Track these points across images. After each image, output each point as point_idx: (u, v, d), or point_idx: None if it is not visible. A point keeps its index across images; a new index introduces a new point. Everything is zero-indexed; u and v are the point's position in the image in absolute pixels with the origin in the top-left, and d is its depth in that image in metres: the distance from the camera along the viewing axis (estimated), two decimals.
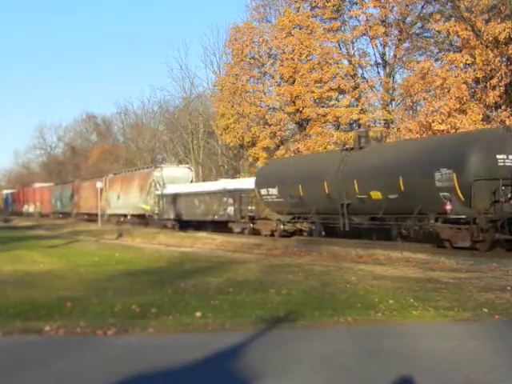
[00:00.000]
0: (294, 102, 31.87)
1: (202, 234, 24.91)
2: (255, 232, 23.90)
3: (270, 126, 33.65)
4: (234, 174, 42.21)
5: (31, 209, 64.52)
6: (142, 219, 34.47)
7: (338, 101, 32.76)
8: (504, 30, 21.81)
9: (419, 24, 29.16)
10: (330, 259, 13.83)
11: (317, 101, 32.25)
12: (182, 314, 6.63)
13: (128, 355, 5.09)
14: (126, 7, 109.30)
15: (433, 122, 22.62)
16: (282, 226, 22.55)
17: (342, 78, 31.42)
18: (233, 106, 34.61)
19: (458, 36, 24.50)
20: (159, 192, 32.25)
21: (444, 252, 14.72)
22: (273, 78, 35.18)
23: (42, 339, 5.67)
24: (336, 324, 6.21)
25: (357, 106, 31.46)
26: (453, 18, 24.88)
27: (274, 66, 34.56)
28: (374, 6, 30.20)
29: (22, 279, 10.00)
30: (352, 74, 32.00)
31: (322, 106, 32.26)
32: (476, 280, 9.36)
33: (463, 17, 23.62)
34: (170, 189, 31.25)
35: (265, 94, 35.51)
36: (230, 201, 25.14)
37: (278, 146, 34.30)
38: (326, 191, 19.32)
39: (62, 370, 4.66)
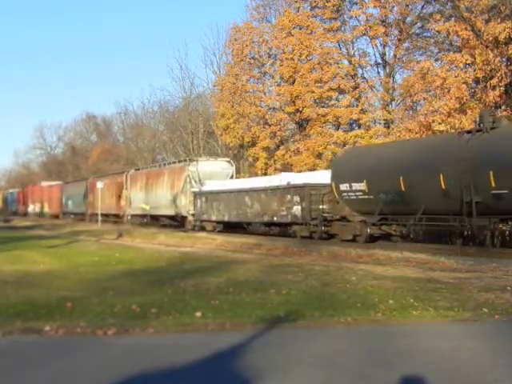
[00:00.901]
0: (294, 101, 31.89)
1: (202, 234, 24.90)
2: (328, 236, 20.19)
3: (269, 125, 33.67)
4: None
5: (37, 209, 60.68)
6: (173, 220, 31.28)
7: (338, 101, 32.78)
8: (504, 30, 21.81)
9: (419, 24, 29.19)
10: (330, 259, 13.83)
11: (317, 101, 32.26)
12: (182, 314, 6.63)
13: (128, 355, 5.09)
14: (126, 7, 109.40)
15: (433, 121, 22.63)
16: (367, 230, 18.40)
17: (342, 78, 31.43)
18: (233, 106, 34.63)
19: (458, 36, 24.50)
20: (196, 189, 28.28)
21: (444, 252, 14.71)
22: (273, 78, 35.21)
23: (42, 339, 5.66)
24: (336, 324, 6.21)
25: (357, 106, 31.47)
26: (453, 18, 24.88)
27: (274, 66, 34.59)
28: (374, 6, 30.24)
29: (21, 279, 10.00)
30: (352, 74, 32.02)
31: (322, 106, 32.28)
32: (476, 280, 9.36)
33: (463, 17, 23.62)
34: (211, 185, 27.19)
35: (265, 93, 35.53)
36: (296, 199, 20.91)
37: (278, 146, 34.33)
38: (443, 186, 15.19)
39: (62, 370, 4.66)
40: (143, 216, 34.58)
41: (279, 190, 22.07)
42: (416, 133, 23.36)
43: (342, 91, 31.86)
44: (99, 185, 37.15)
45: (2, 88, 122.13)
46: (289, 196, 21.32)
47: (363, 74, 33.04)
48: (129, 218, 36.39)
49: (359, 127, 31.83)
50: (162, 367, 4.68)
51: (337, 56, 32.47)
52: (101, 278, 10.18)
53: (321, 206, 20.36)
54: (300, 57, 31.83)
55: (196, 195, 28.05)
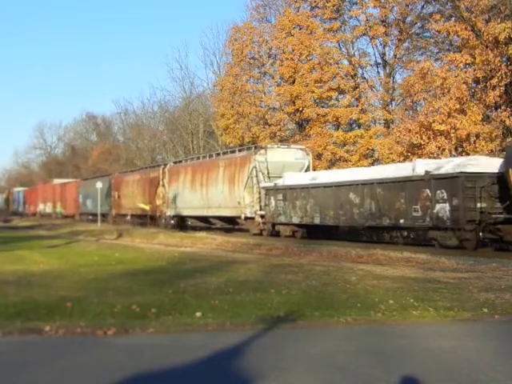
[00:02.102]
0: (293, 101, 31.88)
1: (202, 234, 24.89)
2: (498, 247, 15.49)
3: (269, 126, 33.66)
4: None
5: (48, 209, 56.21)
6: (229, 223, 26.69)
7: (338, 101, 32.78)
8: (504, 30, 21.82)
9: (419, 24, 29.19)
10: (330, 259, 13.83)
11: (317, 101, 32.26)
12: (182, 314, 6.63)
13: (128, 355, 5.09)
14: (126, 7, 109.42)
15: (433, 122, 22.63)
16: None
17: (342, 78, 31.43)
18: (233, 106, 34.62)
19: (458, 36, 24.53)
20: (267, 184, 22.98)
21: (444, 252, 14.71)
22: (273, 78, 35.20)
23: (42, 339, 5.66)
24: (336, 324, 6.20)
25: (357, 106, 31.48)
26: (453, 18, 24.91)
27: (274, 66, 34.57)
28: (374, 6, 30.26)
29: (21, 279, 9.99)
30: (352, 73, 32.02)
31: (322, 106, 32.28)
32: (476, 280, 9.36)
33: (463, 17, 23.64)
34: (292, 179, 21.88)
35: (265, 93, 35.52)
36: (442, 194, 15.48)
37: None
38: None
39: (62, 370, 4.66)
40: (188, 218, 29.61)
41: (411, 182, 16.42)
42: (416, 133, 23.37)
43: (341, 91, 31.86)
44: (127, 181, 34.62)
45: (2, 88, 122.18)
46: (428, 190, 15.86)
47: (363, 74, 33.09)
48: (167, 219, 31.12)
49: (359, 127, 31.83)
50: (162, 367, 4.67)
51: (337, 56, 32.47)
52: (101, 277, 10.17)
53: (478, 204, 14.99)
54: (300, 57, 31.84)
55: (268, 192, 22.70)
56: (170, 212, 30.74)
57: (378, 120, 31.63)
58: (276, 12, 35.68)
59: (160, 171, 32.17)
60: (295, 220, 21.23)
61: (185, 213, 29.45)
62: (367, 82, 32.48)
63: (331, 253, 15.47)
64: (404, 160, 23.39)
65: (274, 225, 22.63)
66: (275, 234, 22.50)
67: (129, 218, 36.57)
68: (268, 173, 23.68)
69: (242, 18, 49.26)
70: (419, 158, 22.51)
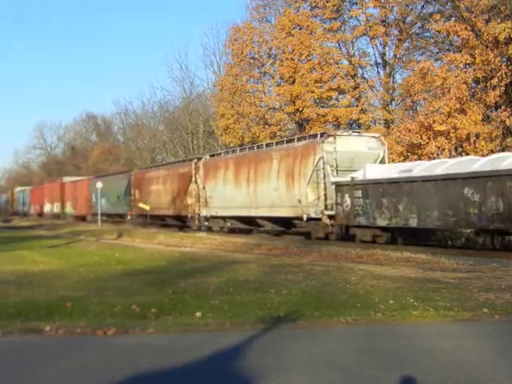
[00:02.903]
0: (293, 101, 31.88)
1: (202, 234, 24.88)
2: None
3: (269, 126, 33.65)
4: None
5: (56, 209, 51.94)
6: (283, 225, 22.63)
7: (338, 101, 32.78)
8: (504, 30, 21.83)
9: (419, 24, 29.18)
10: (330, 259, 13.83)
11: (317, 101, 32.27)
12: (182, 314, 6.64)
13: (128, 355, 5.09)
14: (126, 7, 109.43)
15: (433, 122, 22.63)
16: None
17: (342, 78, 31.43)
18: (233, 106, 34.62)
19: (458, 36, 24.53)
20: (338, 178, 19.16)
21: (444, 252, 14.72)
22: (273, 78, 35.19)
23: (42, 339, 5.66)
24: (336, 324, 6.21)
25: (357, 106, 31.47)
26: (453, 18, 24.91)
27: (274, 66, 34.56)
28: (374, 6, 30.25)
29: (22, 279, 10.00)
30: (352, 73, 32.02)
31: (322, 106, 32.28)
32: (476, 280, 9.36)
33: (463, 17, 23.65)
34: (375, 171, 18.36)
35: (265, 94, 35.51)
36: None
37: None
38: None
39: (62, 370, 4.66)
40: (232, 218, 25.22)
41: None
42: (416, 133, 23.38)
43: (342, 91, 31.85)
44: (150, 177, 31.13)
45: (2, 88, 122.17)
46: None
47: (363, 73, 33.07)
48: (201, 220, 27.35)
49: (359, 127, 31.83)
50: (162, 367, 4.68)
51: (337, 56, 32.47)
52: (101, 277, 10.17)
53: None
54: (300, 57, 31.83)
55: (341, 188, 18.83)
56: (205, 212, 26.79)
57: (378, 120, 31.63)
58: (276, 12, 35.70)
59: (192, 166, 28.22)
60: (381, 222, 17.34)
61: (225, 213, 25.29)
62: (367, 82, 32.49)
63: (331, 253, 15.47)
64: (404, 160, 23.37)
65: (347, 227, 18.81)
66: (347, 238, 18.74)
67: (157, 220, 32.85)
68: (336, 165, 19.67)
69: (242, 18, 49.26)
70: (419, 158, 22.53)
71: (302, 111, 31.64)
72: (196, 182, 27.90)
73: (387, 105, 31.10)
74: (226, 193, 25.15)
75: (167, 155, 54.25)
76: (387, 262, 13.18)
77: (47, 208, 55.59)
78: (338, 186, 18.99)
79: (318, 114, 31.16)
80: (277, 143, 23.70)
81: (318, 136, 20.53)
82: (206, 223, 27.18)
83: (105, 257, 14.49)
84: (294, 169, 21.01)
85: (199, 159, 28.81)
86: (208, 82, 51.81)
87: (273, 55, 34.87)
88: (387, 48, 31.95)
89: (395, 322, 6.32)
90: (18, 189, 71.19)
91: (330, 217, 19.30)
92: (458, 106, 22.55)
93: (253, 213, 23.45)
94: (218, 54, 44.72)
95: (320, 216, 19.64)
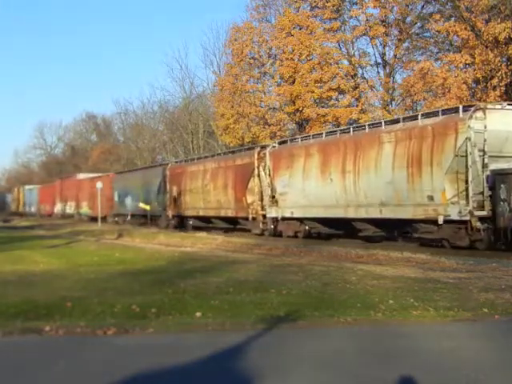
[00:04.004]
0: (293, 101, 31.89)
1: (202, 234, 24.86)
2: None
3: (269, 126, 33.66)
4: None
5: (70, 209, 47.34)
6: (395, 227, 17.42)
7: (338, 101, 32.80)
8: (504, 30, 21.84)
9: (419, 24, 29.21)
10: (330, 259, 13.82)
11: (317, 101, 32.27)
12: (182, 314, 6.63)
13: (128, 355, 5.09)
14: (126, 7, 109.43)
15: None
16: None
17: (342, 78, 31.45)
18: (233, 106, 34.62)
19: (458, 36, 24.54)
20: (503, 165, 14.48)
21: (444, 252, 14.71)
22: (273, 78, 35.20)
23: (42, 339, 5.66)
24: (336, 324, 6.20)
25: (357, 105, 31.48)
26: (453, 18, 24.92)
27: (274, 66, 34.58)
28: (374, 6, 30.26)
29: (22, 279, 10.00)
30: (352, 74, 32.04)
31: (322, 106, 32.29)
32: (476, 280, 9.35)
33: (463, 17, 23.66)
34: None
35: (265, 94, 35.52)
36: None
37: None
38: None
39: (62, 370, 4.66)
40: (305, 221, 20.80)
41: None
42: None
43: (341, 91, 31.87)
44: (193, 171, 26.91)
45: (2, 88, 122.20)
46: None
47: (363, 74, 33.10)
48: (268, 223, 22.53)
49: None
50: (162, 367, 4.67)
51: (337, 56, 32.49)
52: (101, 277, 10.18)
53: None
54: (300, 57, 31.84)
55: (507, 178, 14.21)
56: (273, 213, 21.86)
57: (378, 120, 31.63)
58: (276, 12, 35.70)
59: (255, 156, 23.33)
60: None
61: (304, 213, 20.45)
62: (367, 82, 32.50)
63: (331, 253, 15.46)
64: None
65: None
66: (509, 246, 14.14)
67: (199, 221, 28.50)
68: (484, 149, 14.88)
69: (242, 18, 49.13)
70: None
71: (301, 111, 31.65)
72: (259, 176, 22.91)
73: (387, 105, 31.11)
74: (308, 188, 20.04)
75: (167, 155, 54.25)
76: (387, 262, 13.17)
77: (59, 208, 51.56)
78: (498, 176, 14.30)
79: (318, 114, 31.18)
80: (388, 122, 18.14)
81: (460, 110, 15.42)
82: (272, 226, 22.24)
83: (105, 257, 14.50)
84: (422, 155, 15.97)
85: (263, 147, 23.70)
86: (208, 82, 51.86)
87: (273, 55, 34.90)
88: (387, 48, 32.01)
89: (395, 322, 6.32)
90: (26, 187, 67.21)
91: (484, 218, 14.66)
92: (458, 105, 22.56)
93: (351, 213, 18.35)
94: (218, 54, 44.75)
95: (466, 218, 14.82)
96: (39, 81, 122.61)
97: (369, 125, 19.00)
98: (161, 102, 56.07)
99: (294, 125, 34.73)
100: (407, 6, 28.80)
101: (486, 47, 22.80)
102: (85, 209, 43.80)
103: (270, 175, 22.39)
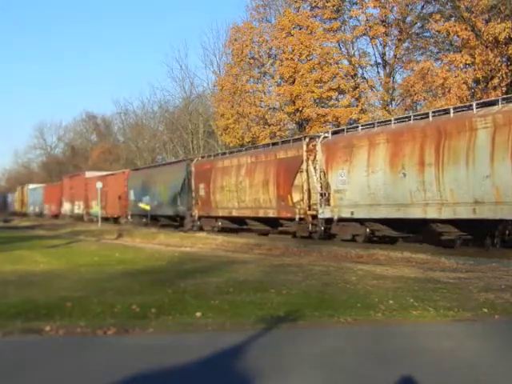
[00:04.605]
0: (293, 101, 31.89)
1: (202, 234, 24.85)
2: None
3: (269, 125, 33.66)
4: None
5: (78, 209, 44.85)
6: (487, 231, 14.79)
7: (338, 101, 32.81)
8: (504, 30, 21.85)
9: (419, 24, 29.22)
10: (330, 259, 13.82)
11: (317, 101, 32.28)
12: (182, 314, 6.63)
13: (128, 355, 5.09)
14: (126, 7, 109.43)
15: None
16: None
17: (342, 78, 31.46)
18: (233, 106, 34.62)
19: (458, 36, 24.54)
20: None
21: (444, 252, 14.71)
22: (273, 78, 35.20)
23: (42, 339, 5.66)
24: (336, 324, 6.20)
25: (357, 105, 31.49)
26: (453, 18, 24.93)
27: (274, 66, 34.59)
28: (374, 6, 30.28)
29: (22, 279, 10.00)
30: (352, 74, 32.05)
31: (322, 106, 32.30)
32: (476, 280, 9.35)
33: (463, 17, 23.66)
34: None
35: (265, 93, 35.53)
36: None
37: None
38: None
39: (62, 370, 4.66)
40: (367, 222, 18.01)
41: None
42: None
43: (341, 91, 31.88)
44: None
45: (2, 88, 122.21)
46: None
47: (363, 74, 33.12)
48: (321, 224, 19.60)
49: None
50: (162, 367, 4.67)
51: (337, 56, 32.50)
52: (101, 277, 10.18)
53: None
54: (300, 57, 31.85)
55: None
56: (327, 213, 19.06)
57: (378, 120, 31.64)
58: (276, 12, 35.71)
59: (303, 148, 20.24)
60: None
61: (368, 213, 17.51)
62: (367, 82, 32.51)
63: (331, 253, 15.46)
64: None
65: None
66: None
67: (231, 223, 25.62)
68: None
69: (242, 18, 49.10)
70: None
71: (301, 111, 31.66)
72: (307, 171, 20.07)
73: (387, 105, 31.12)
74: (373, 184, 17.24)
75: (167, 155, 54.26)
76: (387, 262, 13.17)
77: (66, 208, 48.60)
78: None
79: (318, 114, 31.19)
80: (480, 104, 15.20)
81: None
82: (322, 228, 19.68)
83: (105, 257, 14.49)
84: None
85: (312, 138, 20.56)
86: (208, 82, 51.89)
87: (273, 55, 34.91)
88: (387, 48, 32.02)
89: (395, 322, 6.31)
90: (30, 186, 64.93)
91: None
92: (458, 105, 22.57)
93: (431, 213, 15.53)
94: (218, 54, 44.77)
95: None
96: (39, 81, 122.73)
97: (454, 108, 16.02)
98: (161, 102, 56.15)
99: (294, 125, 34.74)
100: (407, 5, 28.81)
101: (486, 47, 22.80)
102: (95, 209, 40.81)
103: (321, 170, 19.42)
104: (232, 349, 5.14)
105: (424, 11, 28.59)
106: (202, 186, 27.09)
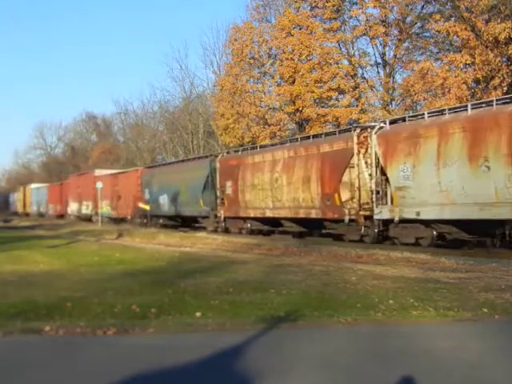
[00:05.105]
0: (293, 101, 31.89)
1: (202, 234, 24.84)
2: None
3: (269, 126, 33.66)
4: None
5: (87, 209, 42.27)
6: None
7: (338, 101, 32.82)
8: (504, 30, 21.85)
9: (419, 24, 29.22)
10: (330, 259, 13.82)
11: (317, 101, 32.29)
12: (182, 314, 6.63)
13: (128, 355, 5.09)
14: (126, 7, 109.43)
15: None
16: None
17: (342, 78, 31.47)
18: (233, 106, 34.62)
19: (458, 36, 24.54)
20: None
21: (444, 252, 14.71)
22: (273, 78, 35.20)
23: (42, 339, 5.66)
24: (336, 324, 6.20)
25: (357, 105, 31.49)
26: (453, 18, 24.93)
27: (274, 66, 34.58)
28: (374, 6, 30.28)
29: (22, 279, 10.00)
30: (352, 74, 32.05)
31: (322, 106, 32.31)
32: (476, 280, 9.35)
33: (463, 17, 23.66)
34: None
35: (265, 93, 35.52)
36: None
37: None
38: None
39: (62, 370, 4.66)
40: (436, 224, 15.75)
41: None
42: None
43: (341, 91, 31.88)
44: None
45: (2, 88, 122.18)
46: None
47: (363, 74, 33.12)
48: (378, 226, 17.24)
49: None
50: (162, 367, 4.68)
51: (337, 56, 32.51)
52: (101, 278, 10.18)
53: None
54: (300, 57, 31.85)
55: None
56: (385, 213, 16.69)
57: (378, 120, 31.65)
58: (276, 12, 35.71)
59: (354, 140, 17.77)
60: None
61: (440, 214, 15.24)
62: (367, 81, 32.51)
63: (331, 253, 15.46)
64: None
65: None
66: None
67: (262, 225, 23.42)
68: None
69: (242, 18, 49.15)
70: None
71: (301, 111, 31.66)
72: (358, 166, 17.65)
73: (387, 105, 31.12)
74: (446, 180, 14.96)
75: (167, 155, 54.26)
76: (387, 262, 13.16)
77: (73, 208, 46.41)
78: None
79: (318, 114, 31.19)
80: None
81: None
82: (376, 230, 17.35)
83: (105, 257, 14.49)
84: None
85: (364, 129, 18.02)
86: (208, 82, 51.96)
87: (273, 55, 34.89)
88: (387, 48, 32.03)
89: (395, 322, 6.32)
90: (33, 186, 63.19)
91: None
92: (458, 105, 22.58)
93: None
94: (218, 54, 44.79)
95: None
96: (39, 81, 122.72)
97: None
98: (161, 102, 56.14)
99: (294, 125, 34.74)
100: (407, 5, 28.81)
101: (486, 47, 22.80)
102: (105, 209, 39.01)
103: (377, 164, 17.09)
104: (232, 349, 5.14)
105: (424, 11, 28.61)
106: (228, 184, 24.74)
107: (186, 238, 22.43)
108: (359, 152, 17.70)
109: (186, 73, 66.36)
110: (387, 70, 32.02)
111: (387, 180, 16.88)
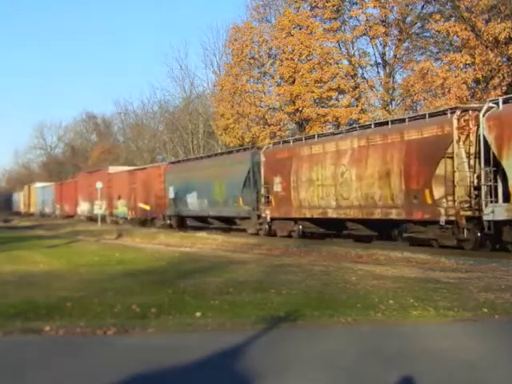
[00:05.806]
0: (293, 101, 31.90)
1: (202, 234, 24.83)
2: None
3: (269, 126, 33.66)
4: None
5: (99, 209, 37.55)
6: None
7: (338, 101, 32.83)
8: (504, 30, 21.85)
9: (419, 24, 29.24)
10: (329, 259, 13.81)
11: (317, 101, 32.29)
12: (182, 313, 6.63)
13: (128, 355, 5.08)
14: (126, 7, 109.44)
15: None
16: None
17: (342, 78, 31.48)
18: (233, 106, 34.62)
19: (458, 36, 24.55)
20: None
21: (444, 252, 14.70)
22: (273, 78, 35.21)
23: (42, 339, 5.66)
24: (336, 324, 6.20)
25: (357, 105, 31.50)
26: (453, 18, 24.94)
27: (274, 66, 34.60)
28: (374, 6, 30.30)
29: (21, 279, 10.00)
30: (352, 74, 32.07)
31: (322, 106, 32.31)
32: (476, 280, 9.35)
33: (463, 17, 23.67)
34: None
35: (265, 93, 35.53)
36: None
37: None
38: None
39: (62, 370, 4.66)
40: None
41: None
42: None
43: (341, 91, 31.90)
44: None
45: (2, 88, 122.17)
46: None
47: (363, 74, 33.14)
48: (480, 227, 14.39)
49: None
50: (162, 367, 4.67)
51: (337, 56, 32.52)
52: (101, 278, 10.17)
53: None
54: (300, 57, 31.86)
55: None
56: (498, 214, 13.78)
57: (378, 120, 31.64)
58: (276, 12, 35.72)
59: (453, 124, 14.78)
60: None
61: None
62: (367, 82, 32.52)
63: (331, 253, 15.45)
64: None
65: None
66: None
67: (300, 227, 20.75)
68: None
69: (242, 18, 49.00)
70: None
71: (301, 111, 31.66)
72: (458, 156, 14.73)
73: (387, 105, 31.13)
74: None
75: (167, 155, 54.25)
76: (387, 262, 13.16)
77: (83, 208, 43.47)
78: None
79: (318, 114, 31.20)
80: None
81: None
82: (478, 234, 14.71)
83: (105, 257, 14.48)
84: None
85: (465, 111, 15.02)
86: (208, 82, 51.76)
87: (273, 55, 34.91)
88: (387, 48, 32.05)
89: (395, 322, 6.31)
90: (38, 185, 61.49)
91: None
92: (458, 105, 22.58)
93: None
94: (218, 54, 44.81)
95: None
96: (39, 81, 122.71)
97: None
98: (161, 102, 56.15)
99: (294, 125, 34.74)
100: (407, 5, 28.82)
101: (486, 47, 22.81)
102: (121, 209, 36.17)
103: (486, 153, 14.09)
104: (232, 349, 5.13)
105: (424, 11, 28.63)
106: (277, 179, 21.53)
107: (185, 238, 22.42)
108: (459, 140, 14.76)
109: (185, 73, 66.18)
110: (387, 70, 32.03)
111: (500, 172, 13.85)
